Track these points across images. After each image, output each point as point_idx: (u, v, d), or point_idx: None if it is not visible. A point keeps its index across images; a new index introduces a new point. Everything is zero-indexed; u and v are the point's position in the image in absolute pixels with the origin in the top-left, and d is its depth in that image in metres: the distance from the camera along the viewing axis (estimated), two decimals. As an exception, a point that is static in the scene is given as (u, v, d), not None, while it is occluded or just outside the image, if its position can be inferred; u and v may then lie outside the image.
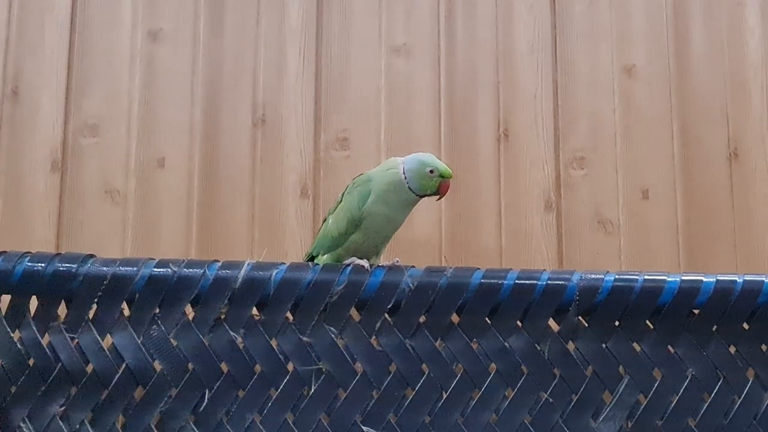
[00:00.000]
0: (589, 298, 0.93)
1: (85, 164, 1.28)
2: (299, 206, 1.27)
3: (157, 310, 0.92)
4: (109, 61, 1.31)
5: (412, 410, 0.91)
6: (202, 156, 1.28)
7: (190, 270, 0.92)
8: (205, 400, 0.90)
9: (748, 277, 0.94)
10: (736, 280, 0.94)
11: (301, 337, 0.92)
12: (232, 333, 0.92)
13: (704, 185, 1.29)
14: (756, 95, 1.31)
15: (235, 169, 1.28)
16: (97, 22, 1.32)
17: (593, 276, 0.94)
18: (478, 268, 0.94)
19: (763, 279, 0.94)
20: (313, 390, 0.91)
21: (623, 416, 0.92)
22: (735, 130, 1.30)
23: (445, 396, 0.92)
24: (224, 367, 0.91)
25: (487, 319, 0.94)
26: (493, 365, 0.93)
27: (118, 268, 0.92)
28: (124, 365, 0.90)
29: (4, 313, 0.91)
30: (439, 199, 1.00)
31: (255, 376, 0.91)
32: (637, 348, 0.94)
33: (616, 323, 0.94)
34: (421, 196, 0.96)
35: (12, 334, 0.91)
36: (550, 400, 0.92)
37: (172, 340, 0.91)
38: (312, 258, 1.02)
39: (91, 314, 0.92)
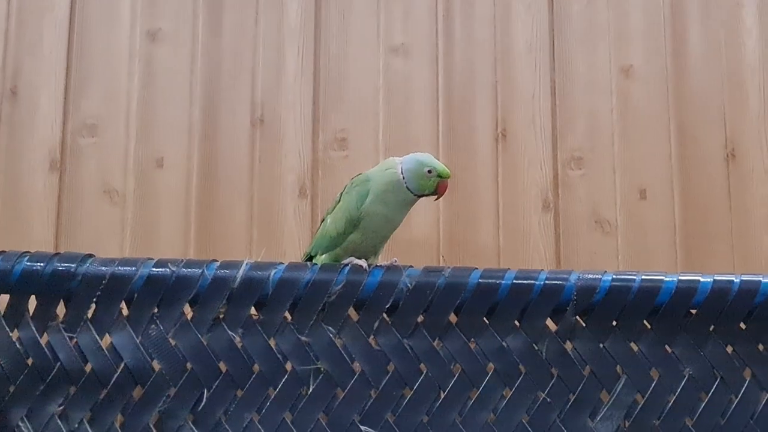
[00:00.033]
0: (586, 298, 0.93)
1: (83, 164, 1.28)
2: (298, 206, 1.27)
3: (156, 310, 0.92)
4: (108, 60, 1.31)
5: (410, 410, 0.91)
6: (201, 156, 1.29)
7: (189, 270, 0.92)
8: (204, 400, 0.90)
9: (745, 277, 0.95)
10: (733, 280, 0.94)
11: (299, 336, 0.92)
12: (230, 332, 0.92)
13: (701, 185, 1.29)
14: (753, 96, 1.32)
15: (233, 169, 1.28)
16: (96, 21, 1.32)
17: (591, 276, 0.94)
18: (476, 268, 0.95)
19: (760, 279, 0.94)
20: (311, 389, 0.91)
21: (621, 416, 0.92)
22: (732, 131, 1.31)
23: (443, 395, 0.92)
24: (223, 366, 0.91)
25: (484, 318, 0.94)
26: (490, 365, 0.93)
27: (116, 268, 0.92)
28: (122, 365, 0.90)
29: (2, 312, 0.92)
30: (437, 199, 1.00)
31: (253, 376, 0.91)
32: (635, 348, 0.94)
33: (614, 323, 0.94)
34: (420, 196, 0.96)
35: (11, 334, 0.91)
36: (548, 399, 0.92)
37: (170, 339, 0.91)
38: (310, 258, 1.02)
39: (89, 314, 0.92)
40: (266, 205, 1.28)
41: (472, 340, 0.93)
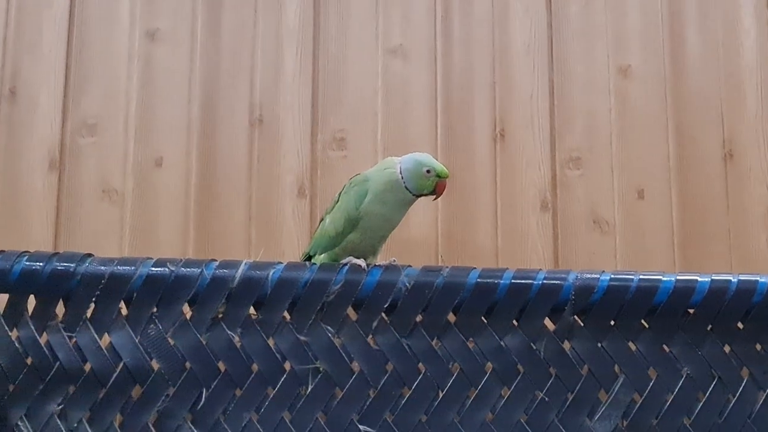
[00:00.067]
0: (584, 298, 0.93)
1: (82, 163, 1.28)
2: (296, 206, 1.27)
3: (155, 310, 0.92)
4: (107, 60, 1.31)
5: (409, 409, 0.91)
6: (200, 155, 1.29)
7: (188, 269, 0.92)
8: (203, 399, 0.90)
9: (742, 277, 0.95)
10: (730, 280, 0.94)
11: (298, 336, 0.92)
12: (229, 332, 0.92)
13: (699, 185, 1.29)
14: (751, 96, 1.32)
15: (232, 169, 1.29)
16: (95, 21, 1.32)
17: (589, 275, 0.94)
18: (475, 268, 0.95)
19: (758, 279, 0.95)
20: (310, 389, 0.91)
21: (618, 415, 0.92)
22: (730, 131, 1.31)
23: (441, 395, 0.92)
24: (221, 366, 0.91)
25: (483, 318, 0.94)
26: (489, 364, 0.93)
27: (115, 268, 0.92)
28: (121, 364, 0.90)
29: (2, 312, 0.92)
30: (435, 199, 1.00)
31: (252, 375, 0.91)
32: (633, 347, 0.94)
33: (612, 323, 0.95)
34: (418, 196, 0.96)
35: (10, 333, 0.91)
36: (546, 399, 0.92)
37: (169, 339, 0.91)
38: (309, 257, 1.03)
39: (88, 313, 0.92)
40: (265, 205, 1.28)
41: (471, 339, 0.93)
